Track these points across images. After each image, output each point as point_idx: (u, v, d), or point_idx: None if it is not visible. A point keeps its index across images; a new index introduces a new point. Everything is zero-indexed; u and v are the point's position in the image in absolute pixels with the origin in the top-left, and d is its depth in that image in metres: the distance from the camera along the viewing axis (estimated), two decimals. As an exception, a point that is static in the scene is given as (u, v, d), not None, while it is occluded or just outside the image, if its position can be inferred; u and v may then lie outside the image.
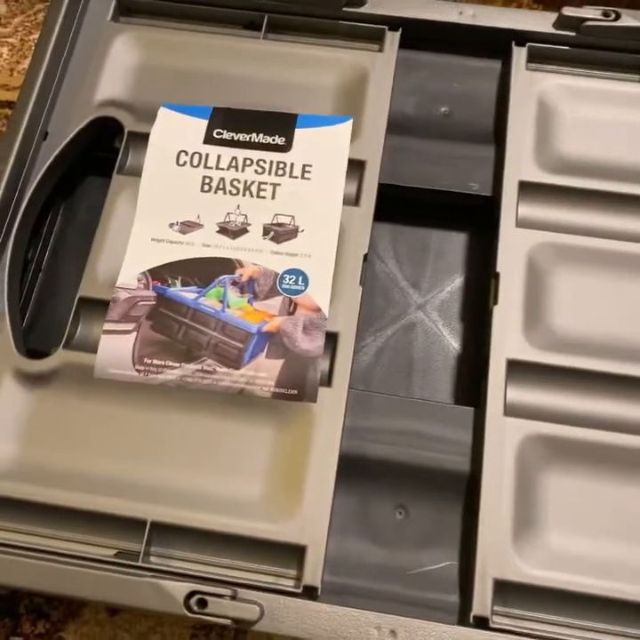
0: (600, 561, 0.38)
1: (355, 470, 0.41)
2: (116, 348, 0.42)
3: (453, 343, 0.48)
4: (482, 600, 0.37)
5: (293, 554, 0.38)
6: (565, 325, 0.43)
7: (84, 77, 0.50)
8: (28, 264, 0.49)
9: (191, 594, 0.36)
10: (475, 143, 0.49)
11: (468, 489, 0.41)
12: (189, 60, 0.51)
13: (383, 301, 0.49)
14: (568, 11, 0.48)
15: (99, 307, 0.43)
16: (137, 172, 0.47)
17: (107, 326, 0.42)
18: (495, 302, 0.43)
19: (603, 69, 0.50)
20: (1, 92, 0.62)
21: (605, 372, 0.41)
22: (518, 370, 0.41)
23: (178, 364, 0.42)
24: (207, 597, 0.36)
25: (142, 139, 0.48)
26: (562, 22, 0.49)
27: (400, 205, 0.50)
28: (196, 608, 0.36)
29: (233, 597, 0.36)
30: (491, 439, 0.40)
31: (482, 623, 0.37)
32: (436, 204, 0.50)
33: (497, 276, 0.43)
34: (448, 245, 0.51)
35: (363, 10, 0.50)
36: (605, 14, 0.48)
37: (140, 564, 0.38)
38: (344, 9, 0.50)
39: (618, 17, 0.48)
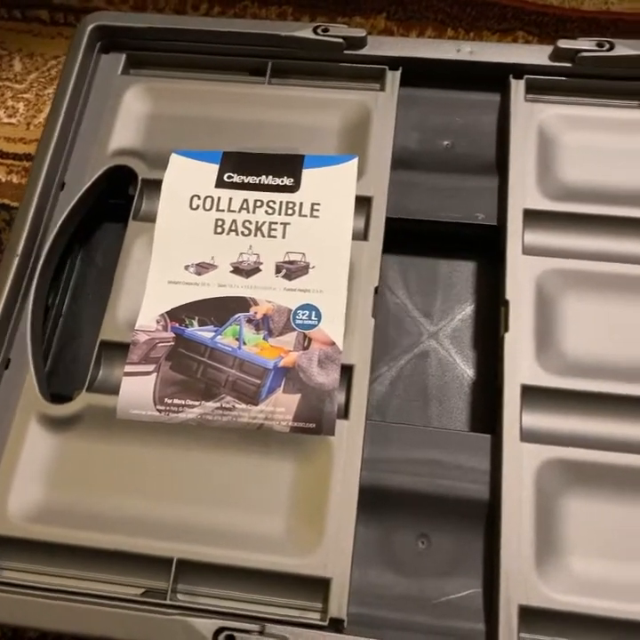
0: (623, 584, 0.38)
1: (375, 501, 0.42)
2: (137, 389, 0.43)
3: (467, 371, 0.49)
4: (508, 627, 0.37)
5: (318, 587, 0.39)
6: (577, 349, 0.43)
7: (98, 129, 0.52)
8: (48, 310, 0.51)
9: (219, 630, 0.36)
10: (478, 174, 0.51)
11: (488, 516, 0.41)
12: (198, 108, 0.52)
13: (395, 332, 0.50)
14: (563, 43, 0.49)
15: (119, 349, 0.44)
16: (151, 218, 0.48)
17: (128, 368, 0.44)
18: (506, 329, 0.44)
19: (600, 97, 0.51)
20: (19, 146, 0.64)
21: (619, 394, 0.42)
22: (532, 395, 0.42)
23: (198, 403, 0.43)
24: (235, 633, 0.36)
25: (155, 185, 0.49)
26: (558, 54, 0.50)
27: (408, 237, 0.51)
28: (224, 644, 0.36)
29: (261, 632, 0.36)
30: (508, 465, 0.40)
31: (509, 651, 0.37)
32: (443, 235, 0.51)
33: (506, 303, 0.44)
34: (456, 275, 0.52)
35: (363, 51, 0.52)
36: (600, 45, 0.50)
37: (167, 602, 0.38)
38: (345, 52, 0.52)
39: (612, 47, 0.49)
